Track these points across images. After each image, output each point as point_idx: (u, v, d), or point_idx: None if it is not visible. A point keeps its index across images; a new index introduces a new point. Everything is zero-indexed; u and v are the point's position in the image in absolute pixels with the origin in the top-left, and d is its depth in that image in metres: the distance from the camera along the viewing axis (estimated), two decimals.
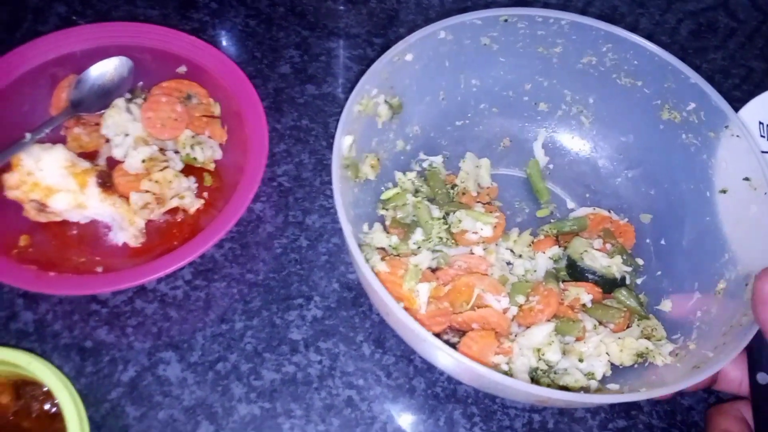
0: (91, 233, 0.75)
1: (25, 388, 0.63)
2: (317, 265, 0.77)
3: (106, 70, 0.79)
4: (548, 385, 0.64)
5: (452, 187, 0.79)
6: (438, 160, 0.81)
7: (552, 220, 0.80)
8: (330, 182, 0.82)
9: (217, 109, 0.81)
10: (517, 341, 0.66)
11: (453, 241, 0.72)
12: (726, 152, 0.68)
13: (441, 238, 0.71)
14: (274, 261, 0.76)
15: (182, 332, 0.71)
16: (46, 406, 0.63)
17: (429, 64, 0.75)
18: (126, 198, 0.74)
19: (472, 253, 0.72)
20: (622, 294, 0.70)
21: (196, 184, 0.78)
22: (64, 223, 0.74)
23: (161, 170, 0.75)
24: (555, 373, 0.65)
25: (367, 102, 0.70)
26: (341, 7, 0.97)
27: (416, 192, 0.77)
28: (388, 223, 0.75)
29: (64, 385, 0.60)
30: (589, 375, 0.65)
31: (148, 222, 0.75)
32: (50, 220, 0.73)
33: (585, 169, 0.83)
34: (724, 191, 0.68)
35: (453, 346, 0.66)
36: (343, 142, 0.67)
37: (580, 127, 0.83)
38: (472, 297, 0.67)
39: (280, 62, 0.91)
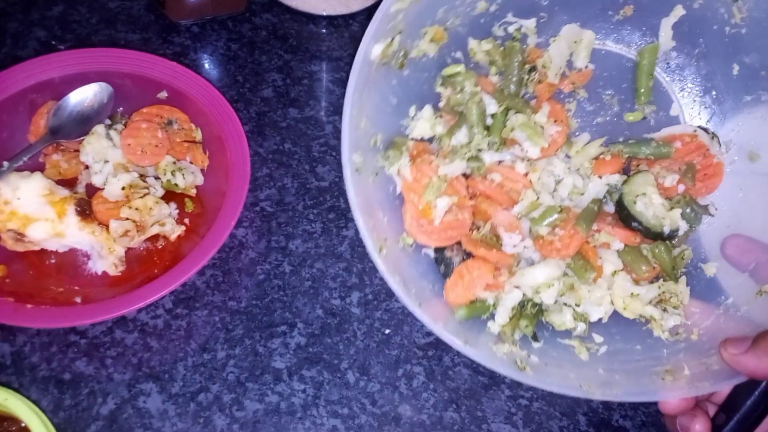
0: (70, 262, 0.73)
1: (2, 423, 0.62)
2: (300, 291, 0.76)
3: (85, 96, 0.79)
4: (532, 316, 0.61)
5: (531, 71, 0.67)
6: (530, 23, 0.67)
7: (632, 141, 0.67)
8: (312, 206, 0.82)
9: (198, 135, 0.80)
10: (510, 281, 0.62)
11: (501, 144, 0.66)
12: None
13: (481, 149, 0.65)
14: (256, 287, 0.75)
15: (163, 362, 0.70)
16: None
17: None
18: (105, 226, 0.73)
19: (513, 167, 0.66)
20: (661, 250, 0.65)
21: (177, 210, 0.77)
22: (42, 252, 0.73)
23: (141, 197, 0.74)
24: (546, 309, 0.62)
25: None
26: (323, 30, 0.98)
27: (491, 64, 0.67)
28: (443, 103, 0.66)
29: (41, 421, 0.59)
30: (582, 316, 0.61)
31: (128, 250, 0.74)
32: (28, 249, 0.72)
33: (713, 71, 0.66)
34: None
35: (451, 268, 0.64)
36: (372, 52, 0.56)
37: (727, 19, 0.64)
38: (487, 225, 0.64)
39: (262, 86, 0.91)
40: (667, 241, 0.66)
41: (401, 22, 0.57)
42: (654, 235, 0.65)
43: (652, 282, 0.65)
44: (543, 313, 0.63)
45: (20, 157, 0.74)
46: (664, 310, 0.63)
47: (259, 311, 0.74)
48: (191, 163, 0.79)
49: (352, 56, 0.94)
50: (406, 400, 0.70)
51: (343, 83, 0.93)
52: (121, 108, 0.81)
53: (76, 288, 0.72)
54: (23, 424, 0.61)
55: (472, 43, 0.66)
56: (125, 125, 0.78)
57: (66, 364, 0.69)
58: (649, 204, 0.64)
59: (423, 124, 0.64)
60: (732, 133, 0.67)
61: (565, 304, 0.64)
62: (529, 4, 0.66)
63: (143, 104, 0.80)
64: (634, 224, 0.65)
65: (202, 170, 0.80)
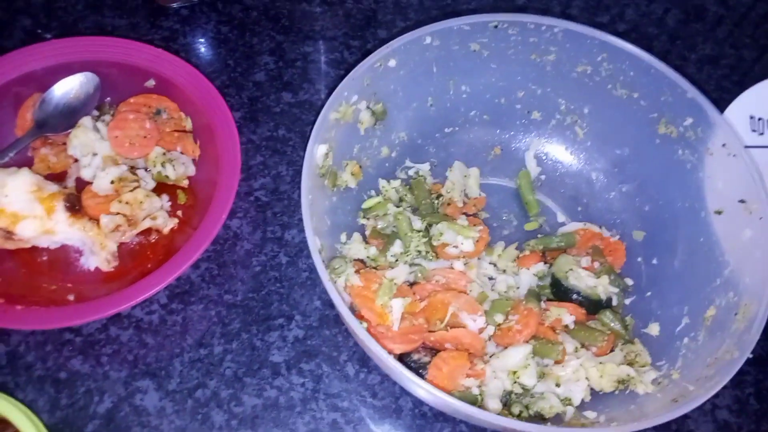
0: (62, 259, 0.72)
1: None
2: (298, 283, 0.74)
3: (71, 87, 0.76)
4: (520, 412, 0.62)
5: (437, 197, 0.76)
6: (425, 167, 0.79)
7: (540, 235, 0.77)
8: None
9: (188, 124, 0.78)
10: (491, 364, 0.63)
11: (433, 254, 0.70)
12: (722, 171, 0.66)
13: (420, 251, 0.69)
14: (252, 280, 0.74)
15: (159, 359, 0.69)
16: None
17: (415, 69, 0.73)
18: (96, 221, 0.71)
19: (453, 268, 0.70)
20: (606, 316, 0.68)
21: (170, 203, 0.75)
22: (34, 249, 0.72)
23: (131, 190, 0.72)
24: (531, 396, 0.63)
25: (346, 109, 0.68)
26: (317, 9, 0.94)
27: (400, 201, 0.75)
28: (368, 233, 0.73)
29: (33, 425, 0.58)
30: (566, 400, 0.62)
31: (121, 245, 0.73)
32: (18, 247, 0.70)
33: (578, 182, 0.80)
34: (719, 212, 0.66)
35: (424, 365, 0.64)
36: (317, 151, 0.65)
37: (575, 138, 0.80)
38: (447, 315, 0.65)
39: (254, 70, 0.88)
40: (609, 309, 0.69)
41: (333, 139, 0.67)
42: (595, 304, 0.69)
43: (612, 351, 0.67)
44: (529, 407, 0.63)
45: (6, 153, 0.72)
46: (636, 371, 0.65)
47: (256, 304, 0.73)
48: (182, 153, 0.77)
49: (347, 35, 0.92)
50: (407, 392, 0.69)
51: (338, 64, 0.90)
52: (108, 98, 0.79)
53: (69, 285, 0.71)
54: (17, 427, 0.60)
55: (382, 183, 0.76)
56: (113, 116, 0.76)
57: (61, 362, 0.68)
58: (579, 277, 0.69)
59: (356, 246, 0.70)
60: (610, 218, 0.78)
61: (544, 392, 0.64)
62: (422, 152, 0.80)
63: (131, 93, 0.78)
64: (574, 296, 0.69)
65: (193, 160, 0.78)
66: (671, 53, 0.96)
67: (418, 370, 0.64)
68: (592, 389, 0.64)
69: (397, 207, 0.74)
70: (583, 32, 0.70)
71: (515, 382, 0.62)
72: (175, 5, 0.91)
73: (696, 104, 0.67)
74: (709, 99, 0.68)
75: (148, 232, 0.74)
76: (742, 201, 0.63)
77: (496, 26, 0.71)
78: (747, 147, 0.68)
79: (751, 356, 0.57)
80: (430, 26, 0.70)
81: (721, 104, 0.78)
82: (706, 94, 0.68)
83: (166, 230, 0.74)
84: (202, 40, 0.91)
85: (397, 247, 0.70)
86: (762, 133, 0.80)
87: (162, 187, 0.75)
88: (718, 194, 0.66)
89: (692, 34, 0.99)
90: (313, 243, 0.58)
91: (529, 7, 0.98)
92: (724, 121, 0.66)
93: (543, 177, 0.81)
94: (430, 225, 0.72)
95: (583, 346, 0.66)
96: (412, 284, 0.69)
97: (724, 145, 0.65)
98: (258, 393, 0.68)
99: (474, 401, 0.61)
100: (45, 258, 0.72)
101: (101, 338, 0.70)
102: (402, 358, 0.65)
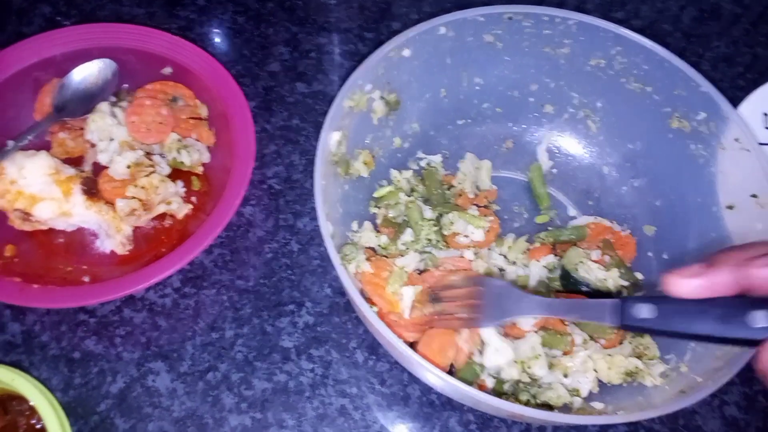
0: (78, 241, 0.73)
1: (11, 403, 0.63)
2: (309, 270, 0.75)
3: (89, 73, 0.77)
4: (527, 401, 0.62)
5: (449, 188, 0.77)
6: (437, 159, 0.79)
7: (550, 228, 0.77)
8: None
9: (204, 111, 0.79)
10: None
11: (443, 243, 0.71)
12: (735, 166, 0.66)
13: (430, 240, 0.70)
14: (264, 266, 0.75)
15: (171, 341, 0.70)
16: (33, 421, 0.62)
17: (429, 60, 0.73)
18: (112, 205, 0.72)
19: (462, 257, 0.70)
20: None
21: (184, 189, 0.76)
22: (51, 232, 0.73)
23: (147, 175, 0.73)
24: (539, 386, 0.63)
25: (360, 97, 0.69)
26: (332, 1, 0.95)
27: (412, 191, 0.76)
28: (379, 221, 0.74)
29: (48, 401, 0.59)
30: (574, 391, 0.63)
31: (136, 229, 0.74)
32: (36, 229, 0.72)
33: (589, 176, 0.80)
34: (731, 207, 0.65)
35: None
36: (330, 138, 0.65)
37: (587, 132, 0.80)
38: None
39: (269, 60, 0.89)
40: None
41: (346, 128, 0.68)
42: (605, 297, 0.68)
43: (621, 343, 0.67)
44: (537, 397, 0.63)
45: (25, 136, 0.73)
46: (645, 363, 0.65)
47: (267, 290, 0.73)
48: (197, 140, 0.78)
49: (362, 27, 0.92)
50: (415, 380, 0.69)
51: (352, 56, 0.91)
52: (126, 85, 0.80)
53: (85, 267, 0.72)
54: (32, 403, 0.61)
55: (394, 173, 0.76)
56: (130, 102, 0.77)
57: (76, 342, 0.69)
58: (589, 270, 0.69)
59: (367, 234, 0.70)
60: (621, 213, 0.78)
61: (552, 382, 0.64)
62: (434, 143, 0.80)
63: (148, 80, 0.79)
64: (584, 288, 0.69)
65: (208, 147, 0.79)
66: (686, 51, 0.96)
67: None
68: (600, 381, 0.64)
69: (409, 197, 0.74)
70: (597, 25, 0.71)
71: (524, 372, 0.63)
72: None
73: (709, 98, 0.67)
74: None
75: (162, 216, 0.75)
76: (754, 196, 0.63)
77: (510, 18, 0.71)
78: (760, 144, 0.68)
79: None
80: (444, 16, 0.70)
81: (735, 102, 0.78)
82: (720, 91, 0.68)
83: (180, 215, 0.75)
84: (218, 30, 0.92)
85: (407, 235, 0.70)
86: None
87: (177, 173, 0.76)
88: (730, 189, 0.66)
89: (707, 32, 0.99)
90: (325, 227, 0.59)
91: (545, 1, 0.98)
92: (737, 115, 0.66)
93: (555, 171, 0.81)
94: (440, 215, 0.72)
95: (591, 338, 0.66)
96: (421, 272, 0.70)
97: (736, 139, 0.65)
98: (268, 377, 0.69)
99: (476, 375, 0.62)
100: (61, 240, 0.73)
101: (115, 320, 0.71)
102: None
